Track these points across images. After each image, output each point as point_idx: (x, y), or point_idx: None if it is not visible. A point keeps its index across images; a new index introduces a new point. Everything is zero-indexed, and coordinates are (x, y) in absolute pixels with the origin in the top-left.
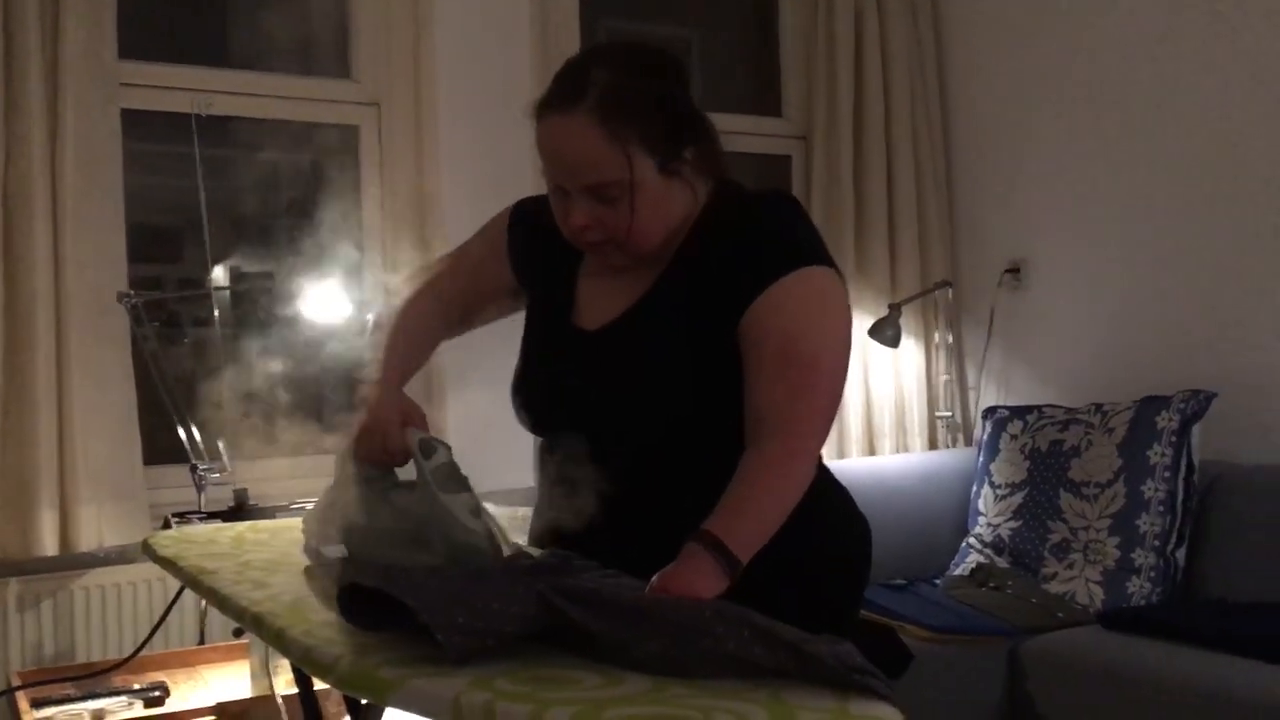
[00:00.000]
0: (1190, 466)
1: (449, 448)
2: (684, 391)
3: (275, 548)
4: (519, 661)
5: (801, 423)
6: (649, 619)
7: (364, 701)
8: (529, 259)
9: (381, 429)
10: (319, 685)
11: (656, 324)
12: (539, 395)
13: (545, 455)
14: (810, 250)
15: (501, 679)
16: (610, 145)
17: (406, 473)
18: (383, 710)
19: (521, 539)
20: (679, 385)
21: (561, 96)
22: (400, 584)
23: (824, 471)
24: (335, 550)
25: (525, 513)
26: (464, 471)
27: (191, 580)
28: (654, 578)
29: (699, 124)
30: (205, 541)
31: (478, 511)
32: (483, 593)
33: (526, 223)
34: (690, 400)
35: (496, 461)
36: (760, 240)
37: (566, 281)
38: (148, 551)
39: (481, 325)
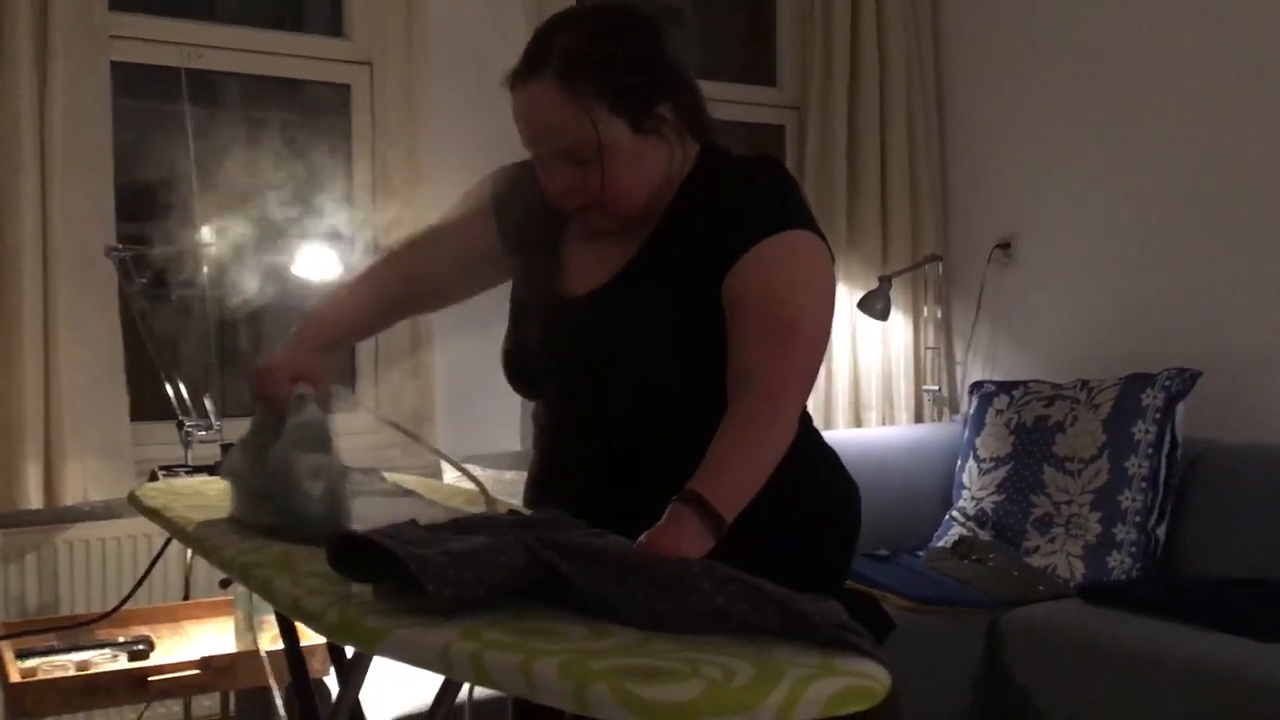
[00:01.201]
0: (1174, 444)
1: (323, 409)
2: (672, 357)
3: None
4: (508, 613)
5: (781, 383)
6: (636, 573)
7: (350, 656)
8: (515, 225)
9: (271, 376)
10: (305, 640)
11: (643, 289)
12: (529, 362)
13: (536, 420)
14: (795, 214)
15: (490, 630)
16: (573, 108)
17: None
18: (368, 664)
19: (515, 501)
20: (667, 351)
21: (527, 65)
22: (389, 535)
23: (814, 435)
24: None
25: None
26: (444, 444)
27: (178, 531)
28: (641, 537)
29: (675, 81)
30: (192, 494)
31: (318, 474)
32: (473, 545)
33: (509, 190)
34: (678, 365)
35: (486, 427)
36: (744, 203)
37: (553, 247)
38: (134, 503)
39: (462, 298)
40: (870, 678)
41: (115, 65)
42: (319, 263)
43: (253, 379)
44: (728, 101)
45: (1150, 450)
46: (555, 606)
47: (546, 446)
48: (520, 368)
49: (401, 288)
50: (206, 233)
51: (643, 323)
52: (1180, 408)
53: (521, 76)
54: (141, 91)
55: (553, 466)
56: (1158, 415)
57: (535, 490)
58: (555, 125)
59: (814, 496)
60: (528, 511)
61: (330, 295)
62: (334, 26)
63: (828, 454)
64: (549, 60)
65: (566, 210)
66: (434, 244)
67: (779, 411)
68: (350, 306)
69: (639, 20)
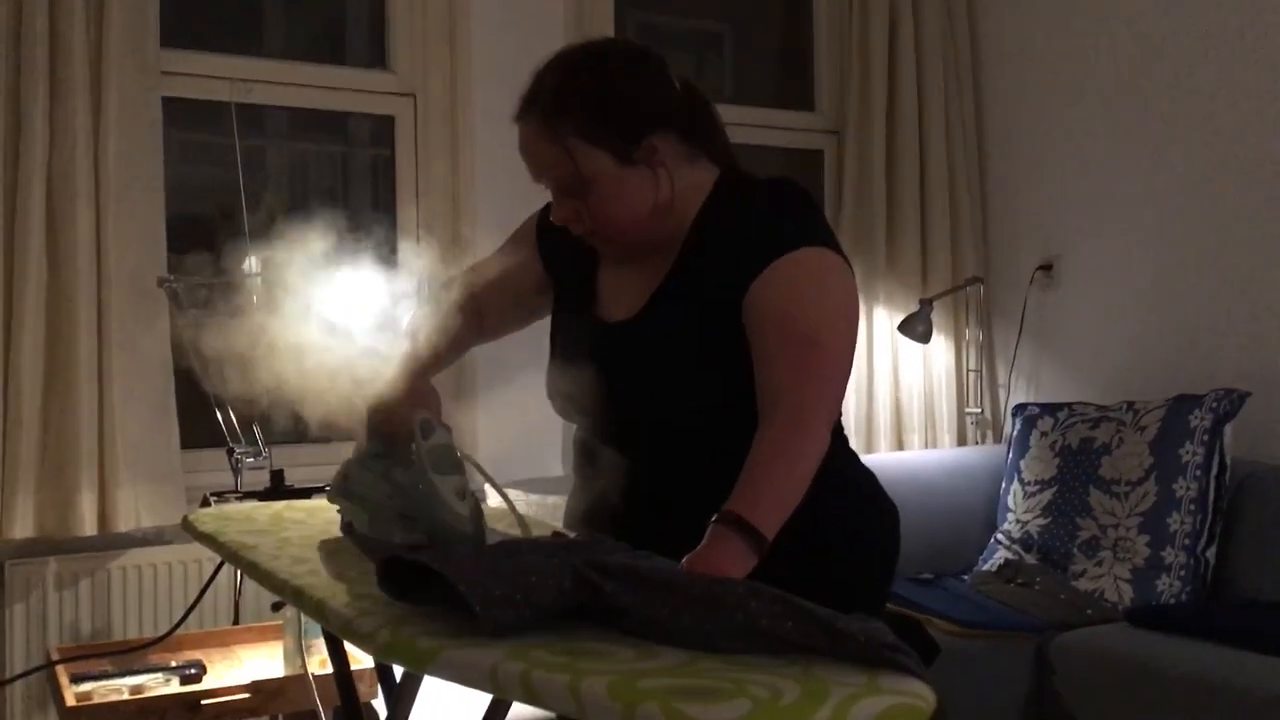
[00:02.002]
0: (1222, 466)
1: (449, 431)
2: (704, 380)
3: (313, 525)
4: (555, 634)
5: (807, 399)
6: (682, 594)
7: (400, 679)
8: (557, 257)
9: (390, 406)
10: (354, 664)
11: (672, 315)
12: (569, 389)
13: (578, 443)
14: (807, 233)
15: (538, 650)
16: (554, 144)
17: None
18: (418, 686)
19: (557, 525)
20: (700, 374)
21: (521, 105)
22: (439, 558)
23: (850, 456)
24: (346, 523)
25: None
26: (488, 468)
27: (231, 555)
28: (683, 560)
29: (673, 111)
30: (244, 519)
31: (464, 494)
32: (520, 566)
33: (552, 232)
34: (711, 388)
35: (528, 452)
36: (760, 224)
37: (588, 275)
38: (188, 528)
39: (517, 328)
40: (917, 696)
41: (166, 99)
42: (363, 292)
43: (371, 411)
44: (766, 127)
45: (1199, 472)
46: (602, 627)
47: (587, 470)
48: (562, 394)
49: (473, 318)
50: (254, 263)
51: (675, 348)
52: (1228, 429)
53: (517, 118)
54: (192, 124)
55: (593, 490)
56: (1206, 437)
57: (578, 513)
58: (543, 161)
59: (853, 519)
60: (572, 535)
61: (415, 330)
62: (378, 59)
63: (865, 475)
64: (538, 100)
65: (578, 235)
66: (493, 276)
67: (807, 427)
68: (432, 339)
69: (626, 56)
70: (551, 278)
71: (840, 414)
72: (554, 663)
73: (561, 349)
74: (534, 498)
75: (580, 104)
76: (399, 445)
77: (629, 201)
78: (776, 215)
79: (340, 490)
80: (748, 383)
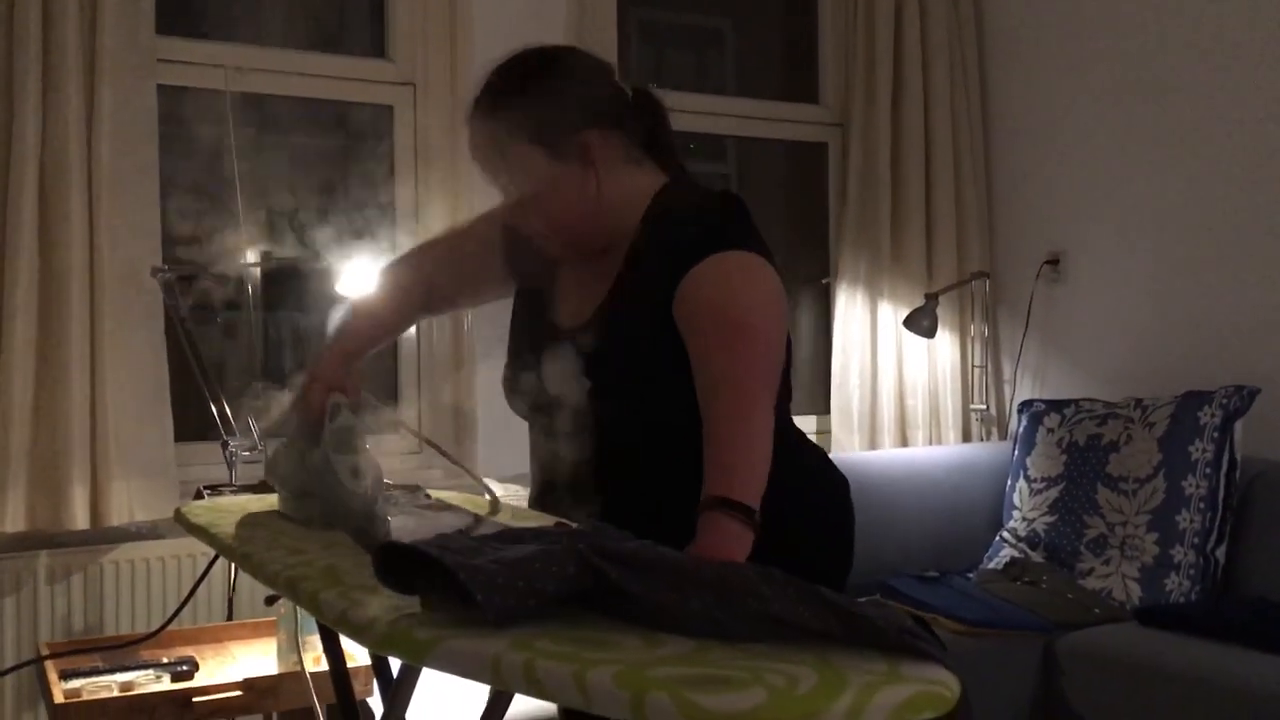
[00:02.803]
0: (1232, 463)
1: (352, 414)
2: (651, 388)
3: None
4: (559, 623)
5: (746, 380)
6: (691, 580)
7: (397, 674)
8: (522, 257)
9: (307, 389)
10: (349, 661)
11: (618, 323)
12: (524, 390)
13: (532, 446)
14: (730, 238)
15: (542, 639)
16: (491, 142)
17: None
18: (415, 680)
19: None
20: (646, 383)
21: (469, 108)
22: (439, 546)
23: (797, 432)
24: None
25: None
26: (486, 461)
27: (224, 548)
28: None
29: (609, 112)
30: (237, 511)
31: (358, 474)
32: (523, 553)
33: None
34: (657, 395)
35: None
36: (683, 235)
37: (548, 277)
38: (181, 520)
39: (473, 306)
40: (940, 684)
41: (163, 88)
42: (362, 283)
43: (298, 395)
44: (770, 120)
45: (1208, 470)
46: (608, 615)
47: (542, 471)
48: (517, 395)
49: (420, 294)
50: (251, 254)
51: (623, 353)
52: (1238, 426)
53: (466, 121)
54: (189, 114)
55: (546, 493)
56: (1215, 434)
57: (536, 508)
58: (482, 161)
59: (804, 492)
60: (575, 525)
61: (357, 304)
62: (377, 48)
63: (813, 450)
64: (478, 102)
65: (529, 237)
66: (449, 255)
67: (752, 401)
68: (379, 314)
69: (565, 58)
70: (514, 278)
71: (789, 398)
72: (559, 652)
73: (516, 350)
74: (510, 489)
75: (512, 102)
76: (316, 427)
77: (566, 198)
78: (707, 220)
79: (268, 471)
80: (687, 388)
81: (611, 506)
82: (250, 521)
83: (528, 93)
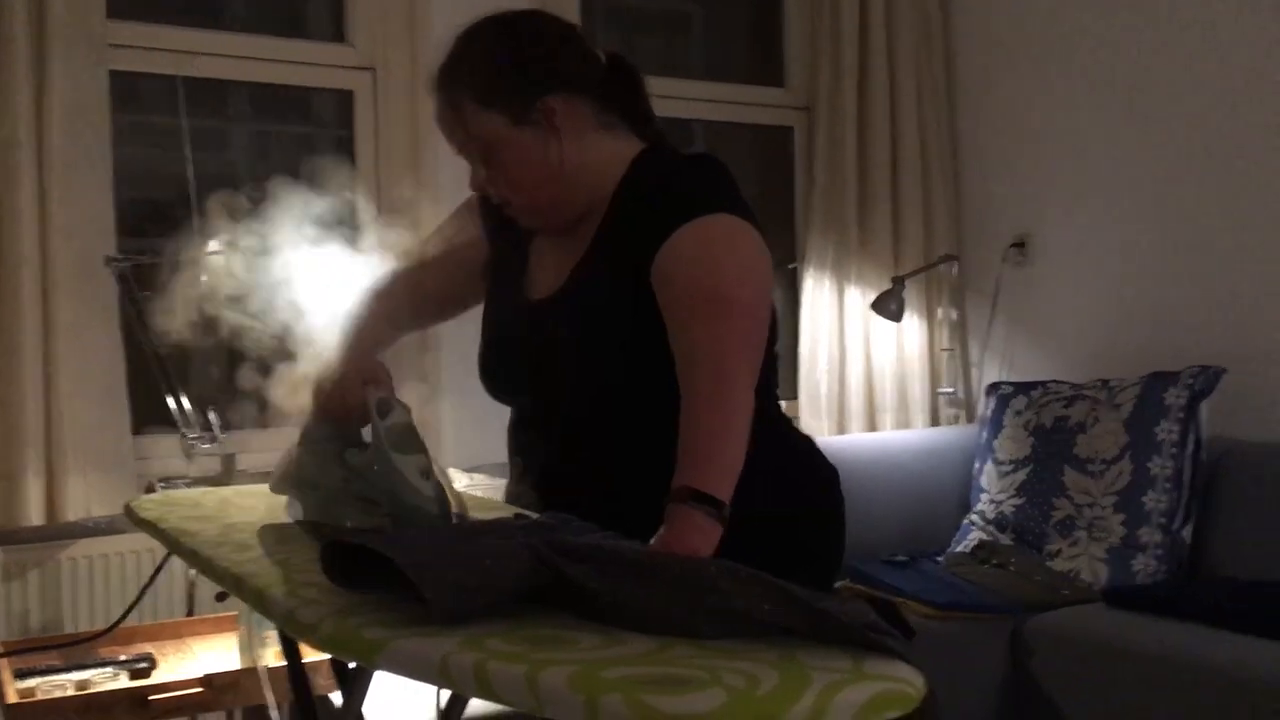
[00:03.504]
0: (1198, 443)
1: (408, 409)
2: (626, 356)
3: (262, 511)
4: (512, 621)
5: (724, 354)
6: (651, 575)
7: (351, 669)
8: (497, 233)
9: (342, 385)
10: (308, 657)
11: (591, 290)
12: (495, 366)
13: (510, 427)
14: (714, 200)
15: (493, 639)
16: (455, 111)
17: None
18: (370, 677)
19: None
20: (621, 350)
21: (431, 81)
22: (387, 541)
23: (784, 419)
24: (295, 511)
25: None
26: (452, 452)
27: (172, 543)
28: (649, 545)
29: (576, 75)
30: (189, 505)
31: (428, 473)
32: (476, 549)
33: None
34: (633, 364)
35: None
36: (663, 197)
37: (520, 252)
38: (130, 515)
39: (473, 306)
40: (904, 682)
41: (118, 76)
42: (322, 272)
43: (323, 391)
44: (736, 103)
45: (1174, 450)
46: (565, 613)
47: (518, 453)
48: (488, 372)
49: (411, 303)
50: (210, 244)
51: (593, 323)
52: (1204, 406)
53: (430, 91)
54: (144, 104)
55: (525, 472)
56: (1181, 414)
57: (513, 499)
58: (447, 130)
59: (794, 481)
60: (535, 516)
61: (356, 312)
62: (336, 32)
63: (801, 438)
64: (440, 71)
65: (500, 206)
66: (437, 258)
67: (730, 382)
68: (375, 317)
69: (527, 22)
70: (491, 253)
71: (776, 383)
72: (511, 653)
73: (488, 328)
74: (501, 481)
75: (472, 68)
76: (350, 426)
77: (529, 163)
78: (685, 184)
79: (291, 480)
80: (663, 358)
81: (585, 485)
82: (201, 516)
83: (487, 58)
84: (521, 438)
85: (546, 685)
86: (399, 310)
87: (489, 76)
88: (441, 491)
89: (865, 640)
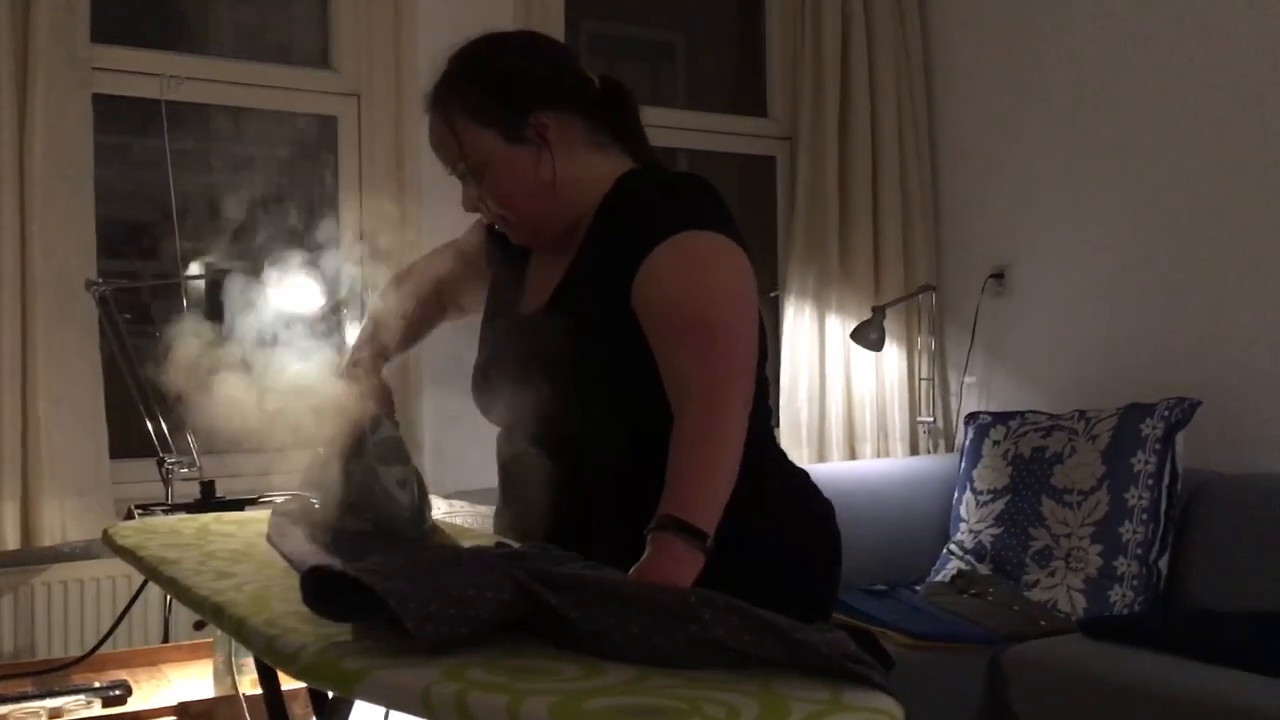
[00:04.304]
0: (1174, 474)
1: (397, 425)
2: (608, 373)
3: (241, 539)
4: (494, 651)
5: (715, 386)
6: (631, 604)
7: (331, 697)
8: (498, 256)
9: (349, 400)
10: (285, 685)
11: (572, 308)
12: (483, 382)
13: (499, 445)
14: (693, 217)
15: (475, 669)
16: (447, 129)
17: None
18: (350, 707)
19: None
20: (602, 367)
21: (424, 99)
22: (369, 570)
23: (778, 453)
24: (278, 535)
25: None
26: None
27: (151, 571)
28: (629, 573)
29: (568, 93)
30: (168, 532)
31: (406, 485)
32: (456, 579)
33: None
34: (615, 381)
35: (473, 462)
36: (642, 215)
37: (518, 270)
38: (108, 542)
39: (465, 316)
40: (883, 713)
41: (101, 99)
42: (304, 296)
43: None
44: (719, 133)
45: (1150, 481)
46: (545, 642)
47: (507, 473)
48: (477, 388)
49: (434, 299)
50: (192, 267)
51: (575, 339)
52: (1180, 438)
53: (424, 110)
54: (126, 127)
55: (510, 489)
56: (1157, 446)
57: (501, 520)
58: (440, 149)
59: (789, 516)
60: (516, 545)
61: (373, 317)
62: (321, 58)
63: (796, 472)
64: (436, 88)
65: (491, 223)
66: (452, 258)
67: (721, 412)
68: (397, 325)
69: (519, 39)
70: (489, 276)
71: (773, 414)
72: (492, 683)
73: (482, 345)
74: (481, 509)
75: (465, 85)
76: (350, 438)
77: (521, 179)
78: (664, 200)
79: (310, 483)
80: (643, 375)
81: (570, 506)
82: (179, 543)
83: (480, 74)
84: (510, 457)
85: (528, 715)
86: (416, 314)
87: (481, 93)
88: (417, 502)
89: (844, 671)
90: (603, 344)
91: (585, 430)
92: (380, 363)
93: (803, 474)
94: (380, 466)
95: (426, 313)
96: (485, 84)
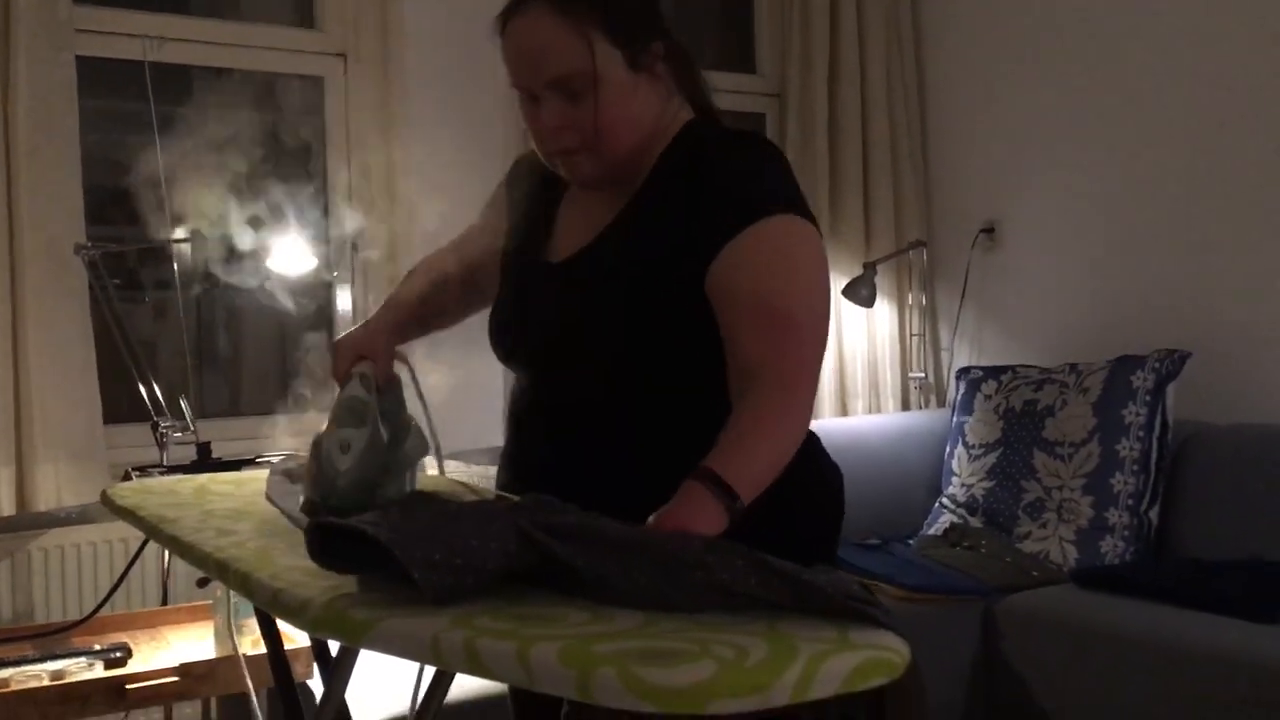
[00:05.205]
0: (1165, 426)
1: (367, 386)
2: (646, 324)
3: (240, 497)
4: (501, 599)
5: (791, 376)
6: (636, 551)
7: (335, 654)
8: (520, 199)
9: (336, 356)
10: (288, 644)
11: (620, 253)
12: (506, 329)
13: (513, 393)
14: (784, 197)
15: (483, 617)
16: (570, 32)
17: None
18: (354, 660)
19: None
20: (642, 317)
21: None
22: (372, 523)
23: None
24: (275, 491)
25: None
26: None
27: (152, 530)
28: (650, 518)
29: (666, 25)
30: (166, 492)
31: (349, 449)
32: (460, 529)
33: (519, 167)
34: (653, 334)
35: (468, 421)
36: (732, 182)
37: (546, 215)
38: (106, 503)
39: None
40: (890, 650)
41: (87, 63)
42: (293, 259)
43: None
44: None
45: (1141, 433)
46: (551, 591)
47: (520, 413)
48: (499, 334)
49: (454, 281)
50: (179, 231)
51: (617, 287)
52: (1170, 389)
53: (513, 10)
54: (112, 91)
55: (522, 437)
56: (1148, 397)
57: (505, 469)
58: (551, 51)
59: (800, 480)
60: (515, 497)
61: (403, 284)
62: (306, 18)
63: (811, 436)
64: None
65: (557, 155)
66: (480, 230)
67: (796, 403)
68: (408, 295)
69: None
70: (509, 220)
71: None
72: (500, 629)
73: (505, 288)
74: (475, 469)
75: None
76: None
77: (638, 110)
78: (740, 181)
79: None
80: (686, 336)
81: (583, 464)
82: (179, 503)
83: None
84: (524, 399)
85: (538, 660)
86: (440, 287)
87: (619, 8)
88: (359, 471)
89: (850, 610)
90: (640, 296)
91: (613, 387)
92: (397, 323)
93: (814, 438)
94: (330, 429)
95: (452, 293)
96: (626, 1)
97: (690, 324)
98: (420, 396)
